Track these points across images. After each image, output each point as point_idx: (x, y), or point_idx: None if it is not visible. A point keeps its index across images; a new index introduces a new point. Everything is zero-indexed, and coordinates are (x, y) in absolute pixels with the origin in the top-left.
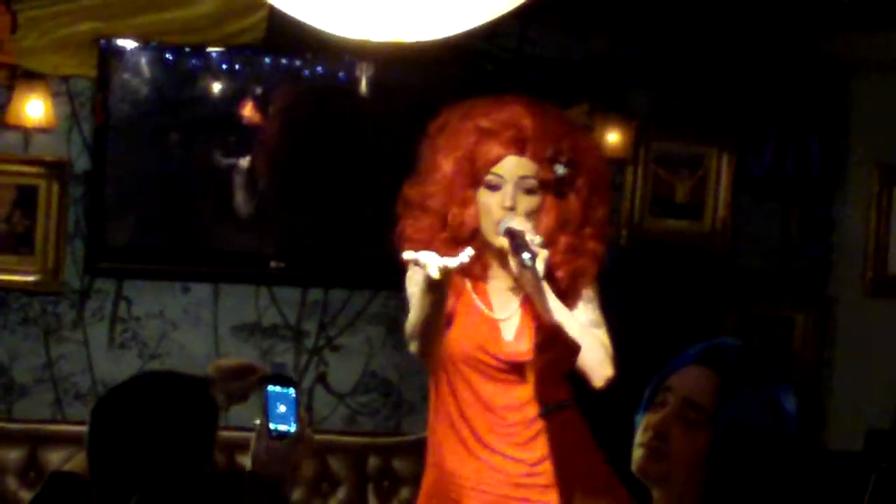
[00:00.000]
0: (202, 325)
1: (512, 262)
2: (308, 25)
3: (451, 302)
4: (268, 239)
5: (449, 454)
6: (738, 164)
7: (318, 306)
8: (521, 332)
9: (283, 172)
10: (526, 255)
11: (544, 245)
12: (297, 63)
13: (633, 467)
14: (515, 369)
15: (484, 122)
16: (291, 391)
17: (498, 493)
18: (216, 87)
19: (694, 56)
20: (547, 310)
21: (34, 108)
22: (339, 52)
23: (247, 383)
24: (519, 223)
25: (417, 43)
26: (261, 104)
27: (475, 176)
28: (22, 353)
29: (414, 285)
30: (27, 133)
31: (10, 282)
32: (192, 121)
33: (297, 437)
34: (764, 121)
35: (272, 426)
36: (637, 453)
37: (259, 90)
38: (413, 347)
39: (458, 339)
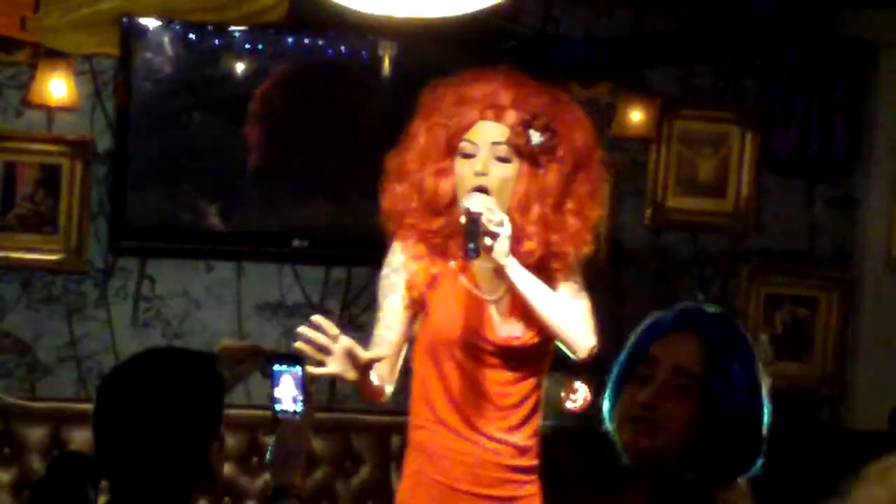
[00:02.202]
0: (225, 304)
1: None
2: (330, 4)
3: (420, 291)
4: (291, 218)
5: (439, 440)
6: (761, 142)
7: (342, 285)
8: (512, 314)
9: (305, 151)
10: (471, 247)
11: (518, 215)
12: (320, 42)
13: (622, 443)
14: (508, 353)
15: (463, 90)
16: (298, 369)
17: (490, 475)
18: (238, 66)
19: (718, 34)
20: (514, 286)
21: (57, 87)
22: (362, 32)
23: (251, 364)
24: (480, 201)
25: (440, 21)
26: (283, 83)
27: (450, 143)
28: (46, 332)
29: (386, 289)
30: (50, 112)
31: (33, 260)
32: (215, 100)
33: (306, 416)
34: (788, 99)
35: (277, 406)
36: (626, 428)
37: (281, 69)
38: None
39: (449, 323)
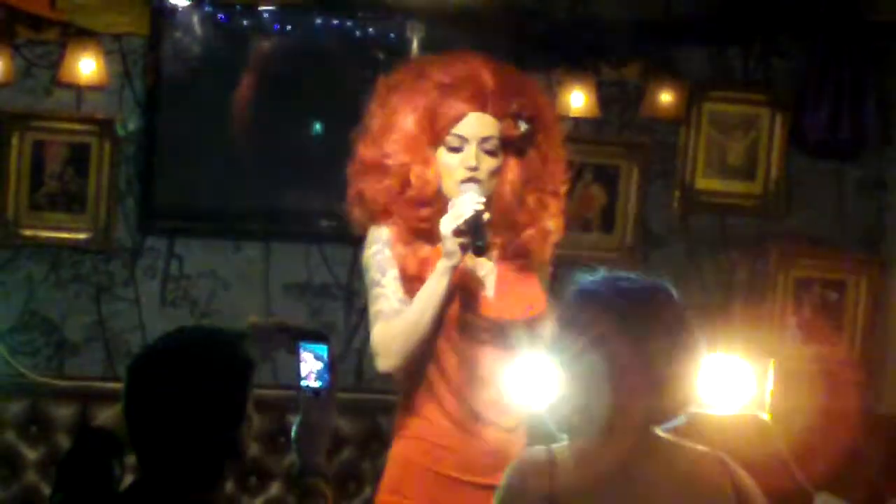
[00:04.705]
0: (253, 284)
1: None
2: None
3: (412, 274)
4: (318, 197)
5: (434, 424)
6: (791, 125)
7: None
8: (500, 290)
9: (333, 132)
10: (479, 244)
11: (514, 206)
12: (349, 23)
13: None
14: (499, 329)
15: (443, 78)
16: (325, 348)
17: (482, 462)
18: (267, 46)
19: (748, 16)
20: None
21: (86, 66)
22: (390, 12)
23: (278, 341)
24: (475, 199)
25: (469, 2)
26: (311, 63)
27: (436, 134)
28: (74, 311)
29: (384, 264)
30: (79, 91)
31: (62, 239)
32: (243, 80)
33: (330, 394)
34: (818, 82)
35: (304, 383)
36: None
37: (309, 50)
38: (390, 363)
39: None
